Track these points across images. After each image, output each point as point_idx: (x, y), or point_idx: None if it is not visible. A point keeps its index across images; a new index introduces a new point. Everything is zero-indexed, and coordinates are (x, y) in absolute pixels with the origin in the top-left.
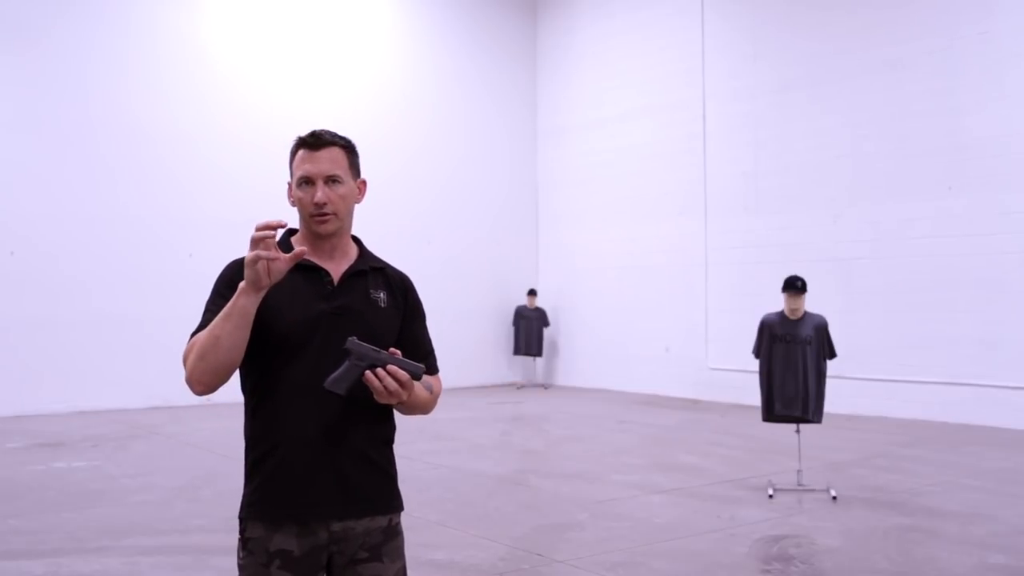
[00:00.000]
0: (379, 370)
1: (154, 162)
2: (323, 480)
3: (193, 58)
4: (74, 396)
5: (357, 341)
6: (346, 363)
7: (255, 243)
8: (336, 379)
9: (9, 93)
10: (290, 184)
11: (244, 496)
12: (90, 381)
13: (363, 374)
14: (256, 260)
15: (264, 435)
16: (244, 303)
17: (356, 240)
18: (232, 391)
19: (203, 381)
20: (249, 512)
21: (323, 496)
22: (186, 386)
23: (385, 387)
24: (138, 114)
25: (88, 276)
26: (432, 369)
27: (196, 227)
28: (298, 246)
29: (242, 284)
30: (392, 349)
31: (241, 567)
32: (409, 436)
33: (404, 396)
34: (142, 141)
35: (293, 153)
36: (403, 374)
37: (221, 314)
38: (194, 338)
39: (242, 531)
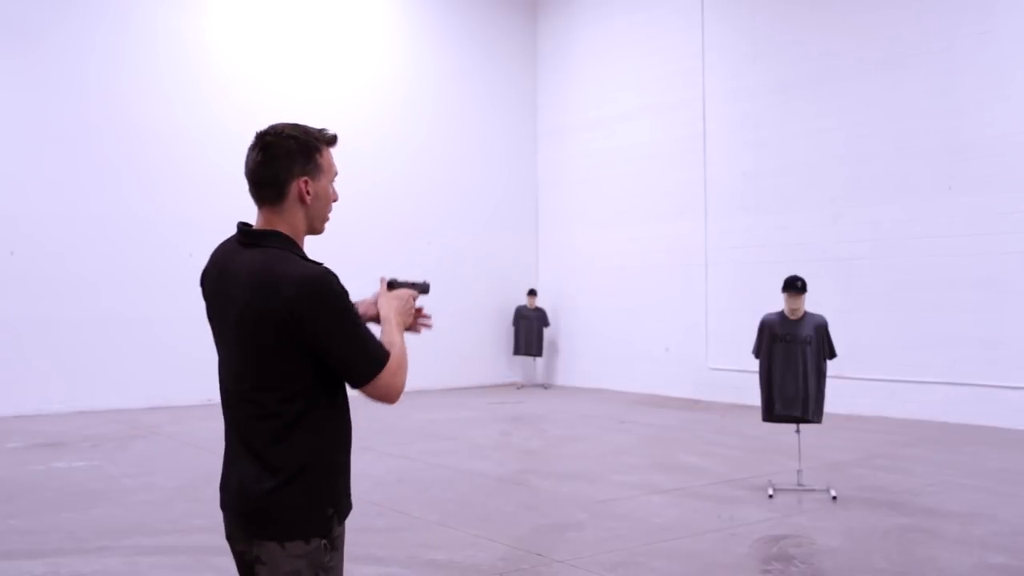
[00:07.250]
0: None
1: (157, 162)
2: None
3: (195, 58)
4: (74, 396)
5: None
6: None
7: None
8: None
9: (12, 94)
10: (306, 181)
11: (331, 499)
12: (90, 381)
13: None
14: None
15: (344, 438)
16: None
17: None
18: None
19: None
20: (342, 513)
21: None
22: (385, 396)
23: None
24: (140, 114)
25: (89, 275)
26: None
27: (198, 227)
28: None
29: (402, 320)
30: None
31: (331, 568)
32: (409, 436)
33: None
34: (145, 141)
35: (319, 148)
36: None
37: (399, 334)
38: (389, 352)
39: (327, 534)
